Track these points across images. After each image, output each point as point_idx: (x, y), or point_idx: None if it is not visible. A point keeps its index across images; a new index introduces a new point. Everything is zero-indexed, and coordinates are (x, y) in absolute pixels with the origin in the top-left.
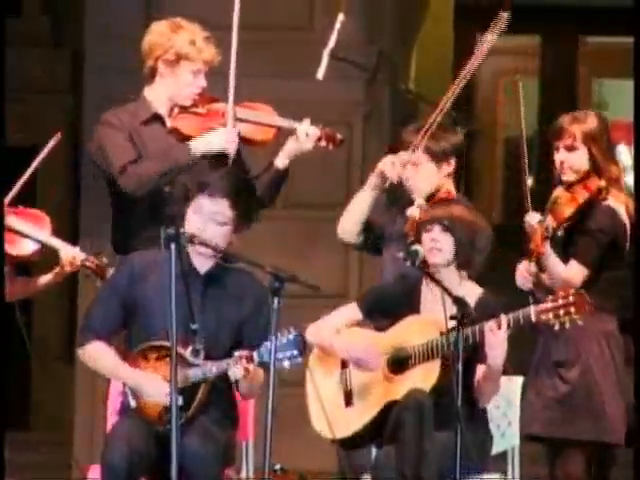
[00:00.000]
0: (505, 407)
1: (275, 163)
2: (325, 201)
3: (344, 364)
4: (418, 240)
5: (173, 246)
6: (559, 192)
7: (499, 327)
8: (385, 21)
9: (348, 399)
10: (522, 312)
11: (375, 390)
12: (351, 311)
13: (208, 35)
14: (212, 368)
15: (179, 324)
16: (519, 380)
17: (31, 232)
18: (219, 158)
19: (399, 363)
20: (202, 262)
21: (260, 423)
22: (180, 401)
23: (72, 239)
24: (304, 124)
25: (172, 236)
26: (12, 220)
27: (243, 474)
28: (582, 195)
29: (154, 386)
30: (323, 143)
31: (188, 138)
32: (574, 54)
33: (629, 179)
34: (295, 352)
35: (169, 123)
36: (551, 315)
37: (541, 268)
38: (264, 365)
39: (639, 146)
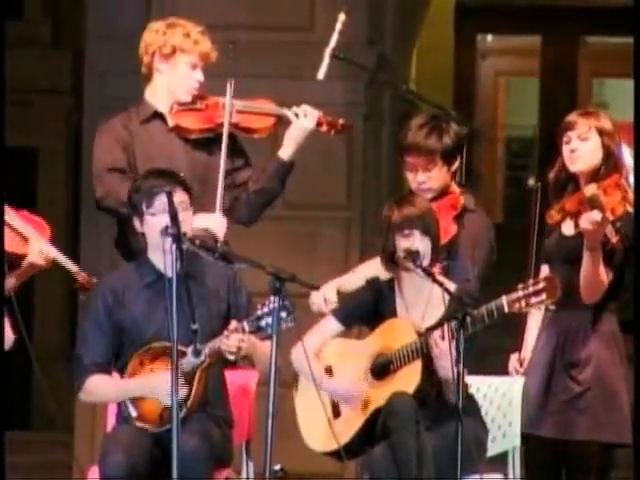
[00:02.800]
0: (506, 407)
1: (279, 154)
2: (325, 202)
3: (329, 374)
4: (392, 240)
5: (174, 247)
6: (593, 189)
7: (443, 338)
8: (386, 22)
9: (335, 410)
10: (495, 303)
11: (361, 399)
12: (330, 324)
13: (203, 29)
14: (205, 349)
15: (178, 326)
16: (521, 380)
17: (30, 234)
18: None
19: (381, 369)
20: (168, 259)
21: (260, 424)
22: (180, 394)
23: (73, 240)
24: (302, 105)
25: (174, 237)
26: (15, 220)
27: (243, 475)
28: (620, 195)
29: (166, 383)
30: (324, 128)
31: (191, 133)
32: (574, 54)
33: (630, 180)
34: (284, 315)
35: (170, 121)
36: (523, 303)
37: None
38: (255, 332)
39: (639, 146)
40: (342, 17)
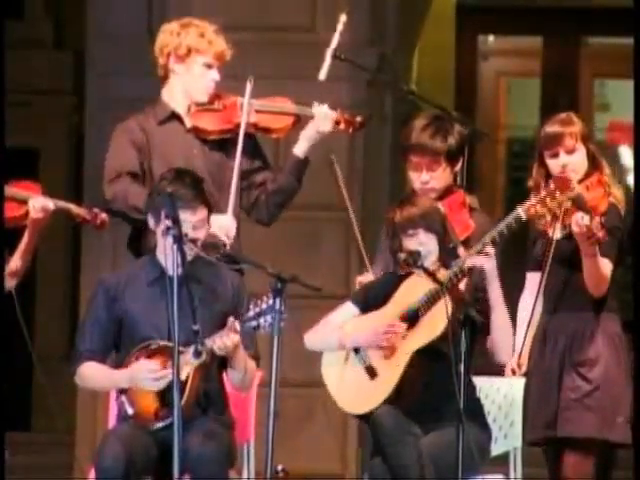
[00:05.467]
0: (507, 408)
1: (294, 150)
2: (326, 202)
3: (356, 350)
4: (399, 242)
5: (175, 247)
6: (577, 189)
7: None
8: (387, 23)
9: (371, 372)
10: (511, 216)
11: (394, 352)
12: (348, 309)
13: (217, 29)
14: (204, 349)
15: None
16: (521, 381)
17: (16, 195)
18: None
19: (411, 319)
20: (170, 264)
21: (262, 424)
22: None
23: (74, 241)
24: (322, 106)
25: (175, 238)
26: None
27: (244, 475)
28: (602, 191)
29: (145, 370)
30: (342, 126)
31: (209, 134)
32: (575, 55)
33: (631, 180)
34: (270, 321)
35: (188, 122)
36: (539, 207)
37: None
38: (249, 332)
39: (639, 146)
40: (343, 18)
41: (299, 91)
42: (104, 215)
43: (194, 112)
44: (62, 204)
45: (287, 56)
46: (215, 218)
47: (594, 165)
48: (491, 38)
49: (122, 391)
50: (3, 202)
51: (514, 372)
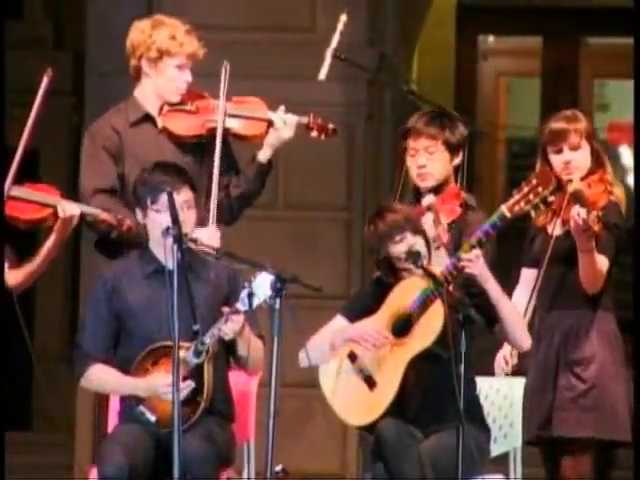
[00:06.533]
0: (507, 408)
1: (257, 156)
2: (326, 202)
3: (352, 359)
4: (385, 251)
5: (175, 247)
6: (577, 185)
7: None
8: (387, 23)
9: (370, 383)
10: (496, 215)
11: (391, 360)
12: (338, 323)
13: (189, 28)
14: (205, 338)
15: (179, 325)
16: (521, 381)
17: (40, 197)
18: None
19: (403, 326)
20: (169, 257)
21: (262, 424)
22: (192, 385)
23: (74, 240)
24: (279, 113)
25: (175, 238)
26: (19, 190)
27: (245, 475)
28: (603, 187)
29: (164, 385)
30: (314, 133)
31: (179, 138)
32: (575, 55)
33: (631, 180)
34: (269, 293)
35: (159, 122)
36: (523, 203)
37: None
38: (249, 313)
39: (639, 146)
40: (343, 18)
41: (298, 91)
42: (129, 221)
43: (165, 112)
44: (89, 209)
45: (287, 56)
46: (197, 232)
47: (597, 163)
48: (491, 38)
49: (138, 401)
50: (3, 201)
51: (503, 369)
